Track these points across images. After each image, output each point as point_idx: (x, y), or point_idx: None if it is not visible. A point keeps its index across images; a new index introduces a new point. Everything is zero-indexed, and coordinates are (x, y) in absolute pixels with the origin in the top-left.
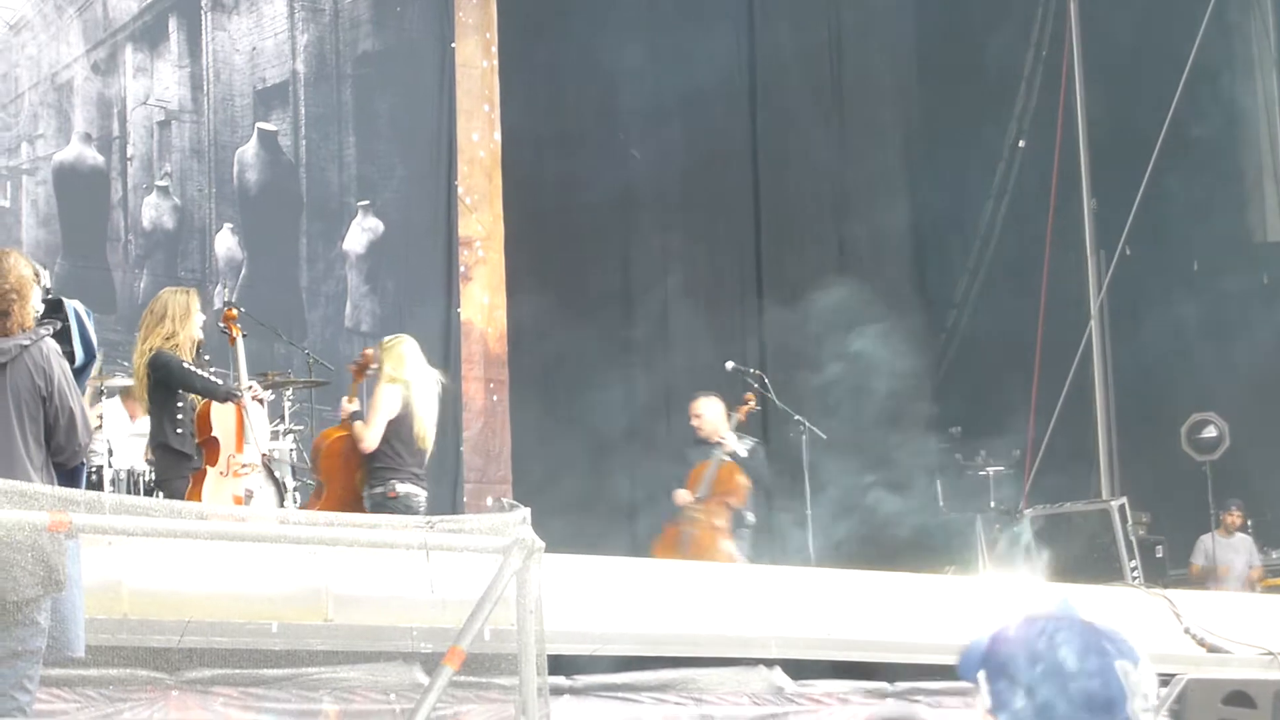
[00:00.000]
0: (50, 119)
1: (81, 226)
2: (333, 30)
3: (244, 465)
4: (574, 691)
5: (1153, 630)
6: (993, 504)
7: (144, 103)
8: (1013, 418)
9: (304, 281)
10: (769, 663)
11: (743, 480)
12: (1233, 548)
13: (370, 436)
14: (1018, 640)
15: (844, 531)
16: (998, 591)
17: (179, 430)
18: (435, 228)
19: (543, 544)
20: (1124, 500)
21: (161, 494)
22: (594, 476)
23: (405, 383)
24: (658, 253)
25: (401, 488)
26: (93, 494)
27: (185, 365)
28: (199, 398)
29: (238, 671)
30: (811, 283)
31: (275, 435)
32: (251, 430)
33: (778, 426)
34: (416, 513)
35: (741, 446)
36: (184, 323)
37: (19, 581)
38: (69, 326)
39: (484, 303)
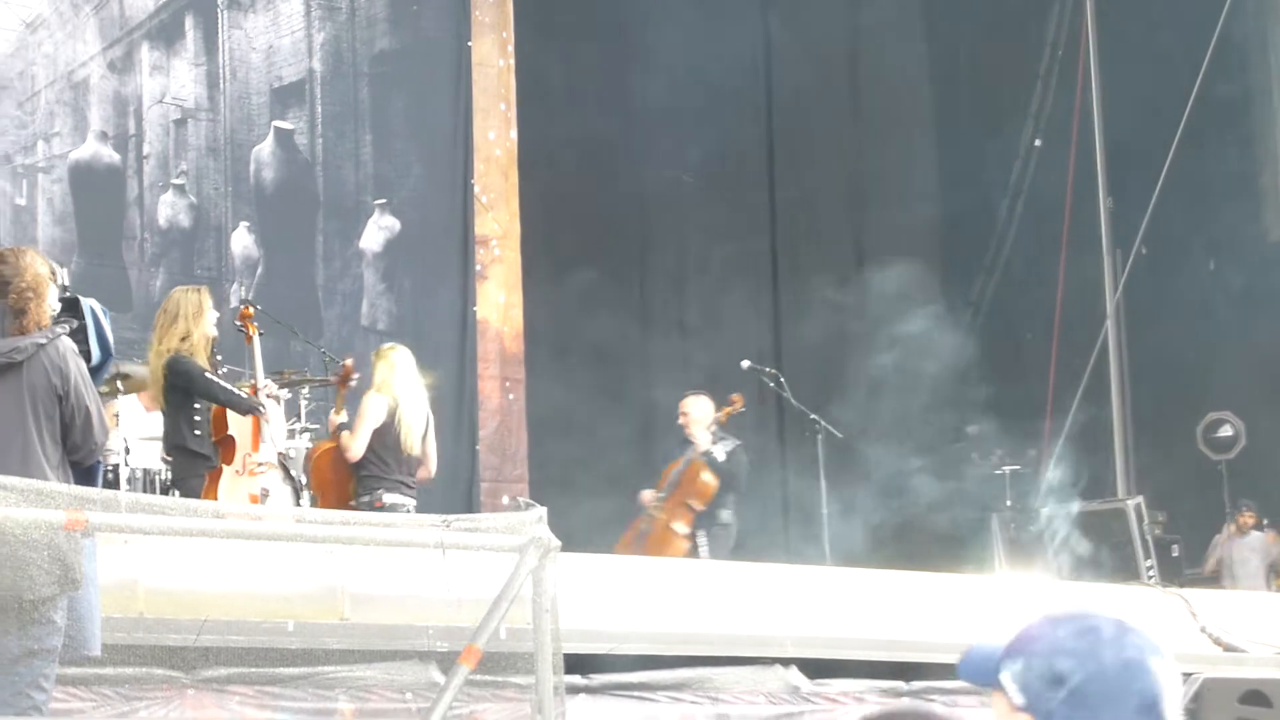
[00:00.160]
0: (66, 117)
1: (97, 225)
2: (349, 29)
3: (260, 464)
4: (590, 690)
5: (1169, 629)
6: (1009, 503)
7: (160, 101)
8: (1029, 417)
9: (320, 280)
10: (785, 662)
11: (707, 481)
12: (1248, 546)
13: (356, 446)
14: (1053, 640)
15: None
16: (1014, 590)
17: (197, 432)
18: (451, 226)
19: (558, 543)
20: (1140, 499)
21: (177, 493)
22: (610, 475)
23: (392, 393)
24: (674, 251)
25: (389, 497)
26: (109, 492)
27: (208, 376)
28: None
29: (254, 670)
30: (828, 282)
31: (291, 434)
32: (267, 429)
33: (794, 425)
34: None
35: (720, 448)
36: (198, 321)
37: (35, 580)
38: (85, 325)
39: (500, 301)
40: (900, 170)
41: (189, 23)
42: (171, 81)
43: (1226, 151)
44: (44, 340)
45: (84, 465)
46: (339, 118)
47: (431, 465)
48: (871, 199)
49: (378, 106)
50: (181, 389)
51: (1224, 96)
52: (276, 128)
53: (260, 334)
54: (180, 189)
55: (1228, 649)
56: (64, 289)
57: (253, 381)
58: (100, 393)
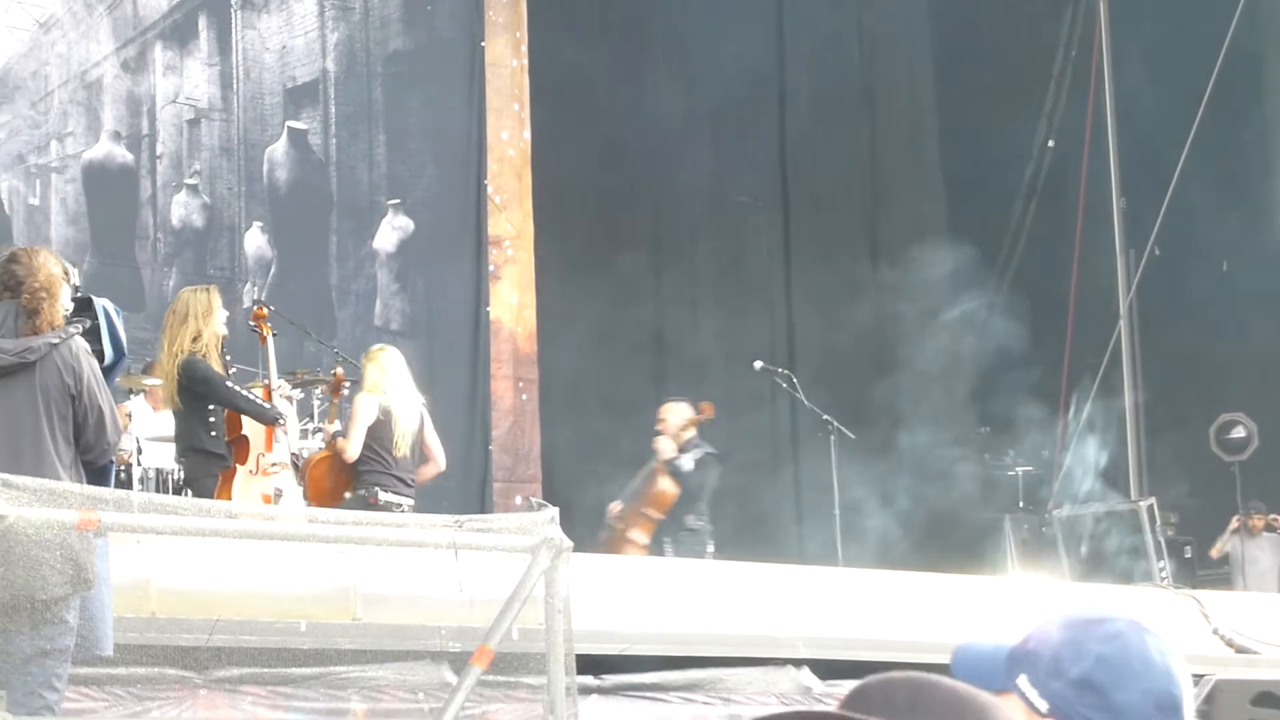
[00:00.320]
0: (80, 117)
1: (110, 225)
2: (363, 29)
3: (273, 464)
4: (602, 691)
5: (1181, 631)
6: (1021, 504)
7: (173, 101)
8: (1042, 418)
9: (334, 280)
10: (797, 663)
11: (664, 490)
12: (1258, 546)
13: (351, 447)
14: (1076, 643)
15: (875, 531)
16: (1026, 592)
17: (213, 433)
18: (465, 226)
19: (571, 543)
20: (1152, 500)
21: (190, 492)
22: (623, 476)
23: (383, 393)
24: (687, 252)
25: (384, 495)
26: (121, 492)
27: (230, 385)
28: None
29: (266, 670)
30: (841, 284)
31: (304, 434)
32: (281, 430)
33: (807, 426)
34: None
35: (689, 457)
36: (207, 320)
37: (48, 580)
38: (98, 325)
39: (513, 302)
40: (912, 172)
41: (202, 23)
42: (185, 81)
43: (1240, 152)
44: (57, 340)
45: (97, 465)
46: (352, 118)
47: (439, 459)
48: (884, 200)
49: (391, 107)
50: (199, 394)
51: (1237, 97)
52: (290, 128)
53: (274, 334)
54: (193, 189)
55: (1240, 650)
56: (77, 289)
57: (266, 382)
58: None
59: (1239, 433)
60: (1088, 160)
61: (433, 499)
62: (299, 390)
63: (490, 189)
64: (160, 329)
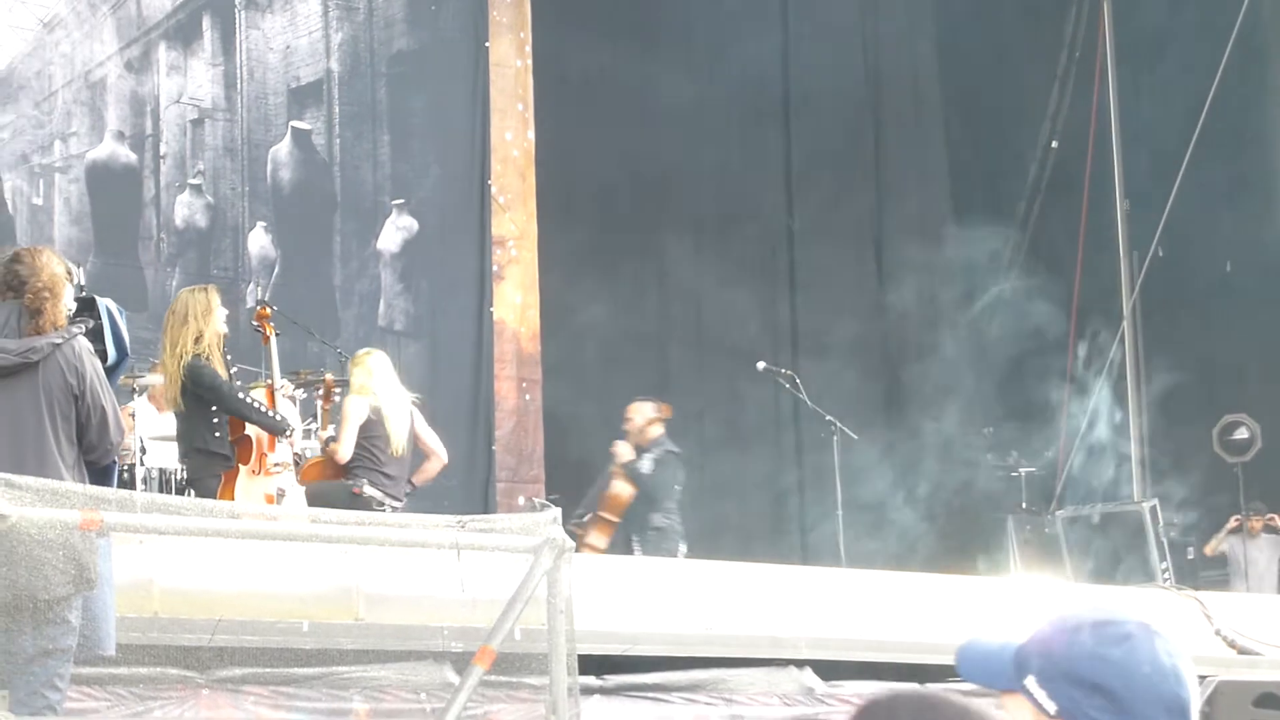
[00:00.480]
0: (83, 117)
1: (114, 224)
2: (367, 29)
3: (276, 464)
4: (604, 691)
5: (1184, 632)
6: (1024, 504)
7: (177, 101)
8: (1045, 418)
9: (338, 280)
10: (799, 663)
11: (616, 492)
12: (1257, 546)
13: (343, 449)
14: (1085, 646)
15: (876, 532)
16: (1029, 592)
17: (217, 434)
18: (469, 226)
19: (573, 544)
20: (1155, 501)
21: (193, 492)
22: None
23: (372, 394)
24: (692, 252)
25: (369, 490)
26: (124, 492)
27: (239, 396)
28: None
29: (268, 670)
30: (846, 284)
31: (308, 434)
32: None
33: (810, 427)
34: None
35: (648, 459)
36: (207, 320)
37: (50, 580)
38: (101, 325)
39: (517, 302)
40: (916, 172)
41: (206, 23)
42: (189, 81)
43: (1244, 153)
44: (60, 340)
45: (100, 465)
46: (356, 118)
47: (440, 452)
48: (888, 200)
49: (395, 107)
50: (206, 400)
51: (1241, 97)
52: (294, 128)
53: (277, 334)
54: (197, 189)
55: (1242, 652)
56: (80, 289)
57: (269, 382)
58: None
59: (1242, 434)
60: (1091, 161)
61: (435, 499)
62: (301, 390)
63: (494, 189)
64: (161, 331)
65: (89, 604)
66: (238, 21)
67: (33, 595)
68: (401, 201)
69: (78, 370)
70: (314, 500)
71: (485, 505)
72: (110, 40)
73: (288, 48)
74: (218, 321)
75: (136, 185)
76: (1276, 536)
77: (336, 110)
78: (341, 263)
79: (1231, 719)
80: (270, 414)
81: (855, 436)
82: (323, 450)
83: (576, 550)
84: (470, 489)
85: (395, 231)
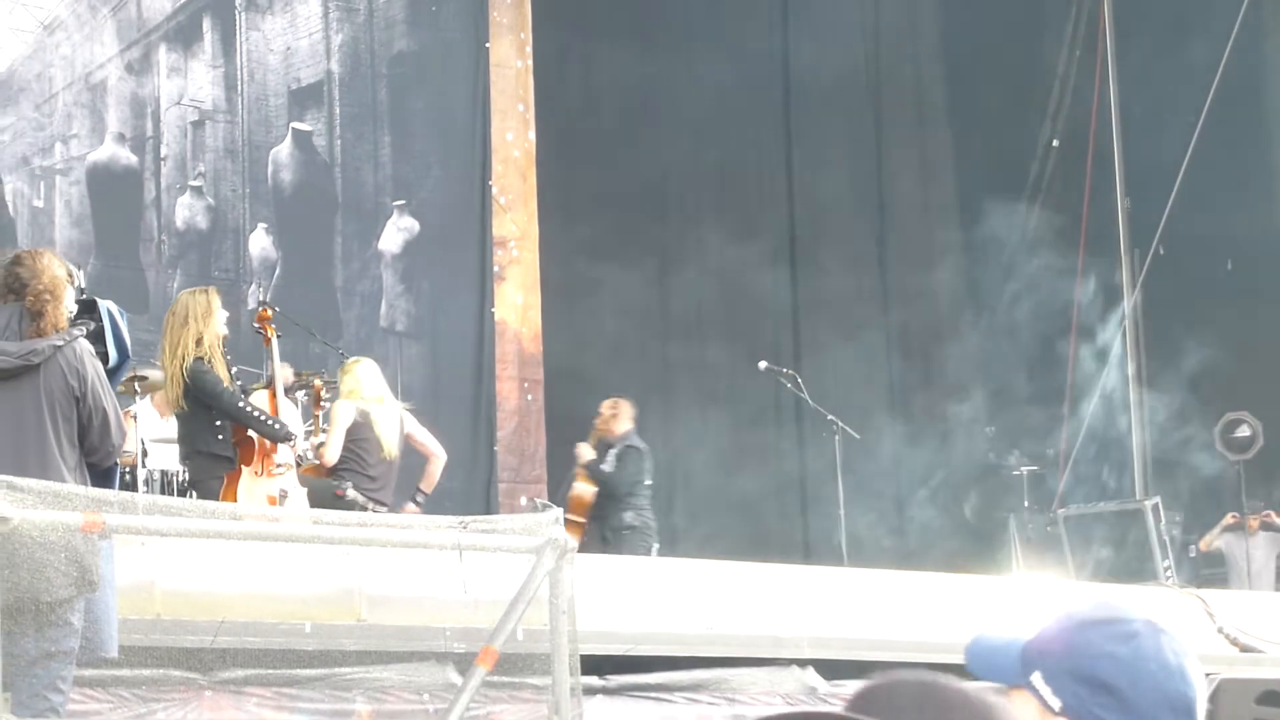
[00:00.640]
0: (84, 119)
1: (115, 227)
2: (367, 30)
3: (278, 465)
4: (607, 691)
5: (1186, 630)
6: (1026, 503)
7: (178, 103)
8: (1047, 417)
9: (339, 281)
10: (802, 663)
11: (577, 494)
12: (1255, 544)
13: (329, 452)
14: (1092, 643)
15: (876, 530)
16: (1031, 591)
17: (220, 437)
18: (470, 227)
19: (575, 544)
20: (1157, 499)
21: (195, 494)
22: None
23: (361, 398)
24: (693, 252)
25: (352, 494)
26: (126, 494)
27: (241, 404)
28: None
29: (271, 672)
30: (847, 282)
31: (309, 435)
32: None
33: (811, 426)
34: None
35: (612, 457)
36: (207, 321)
37: (52, 582)
38: (102, 327)
39: (518, 302)
40: (917, 170)
41: (206, 24)
42: (189, 83)
43: (1244, 151)
44: (61, 342)
45: (101, 467)
46: (357, 119)
47: (438, 451)
48: (888, 198)
49: (396, 108)
50: (206, 406)
51: (1242, 95)
52: (295, 129)
53: (278, 336)
54: (198, 191)
55: (1245, 649)
56: (81, 291)
57: (269, 378)
58: (117, 393)
59: (1244, 432)
60: (1092, 159)
61: (437, 500)
62: (302, 392)
63: (495, 190)
64: (160, 333)
65: (91, 606)
66: (238, 23)
67: (35, 597)
68: (402, 202)
69: (79, 372)
70: None
71: (487, 506)
72: (110, 42)
73: (288, 49)
74: (218, 324)
75: (137, 187)
76: (1274, 534)
77: (337, 111)
78: (343, 264)
79: (1235, 716)
80: (271, 421)
81: (857, 436)
82: (314, 454)
83: None
84: (472, 490)
85: (396, 232)
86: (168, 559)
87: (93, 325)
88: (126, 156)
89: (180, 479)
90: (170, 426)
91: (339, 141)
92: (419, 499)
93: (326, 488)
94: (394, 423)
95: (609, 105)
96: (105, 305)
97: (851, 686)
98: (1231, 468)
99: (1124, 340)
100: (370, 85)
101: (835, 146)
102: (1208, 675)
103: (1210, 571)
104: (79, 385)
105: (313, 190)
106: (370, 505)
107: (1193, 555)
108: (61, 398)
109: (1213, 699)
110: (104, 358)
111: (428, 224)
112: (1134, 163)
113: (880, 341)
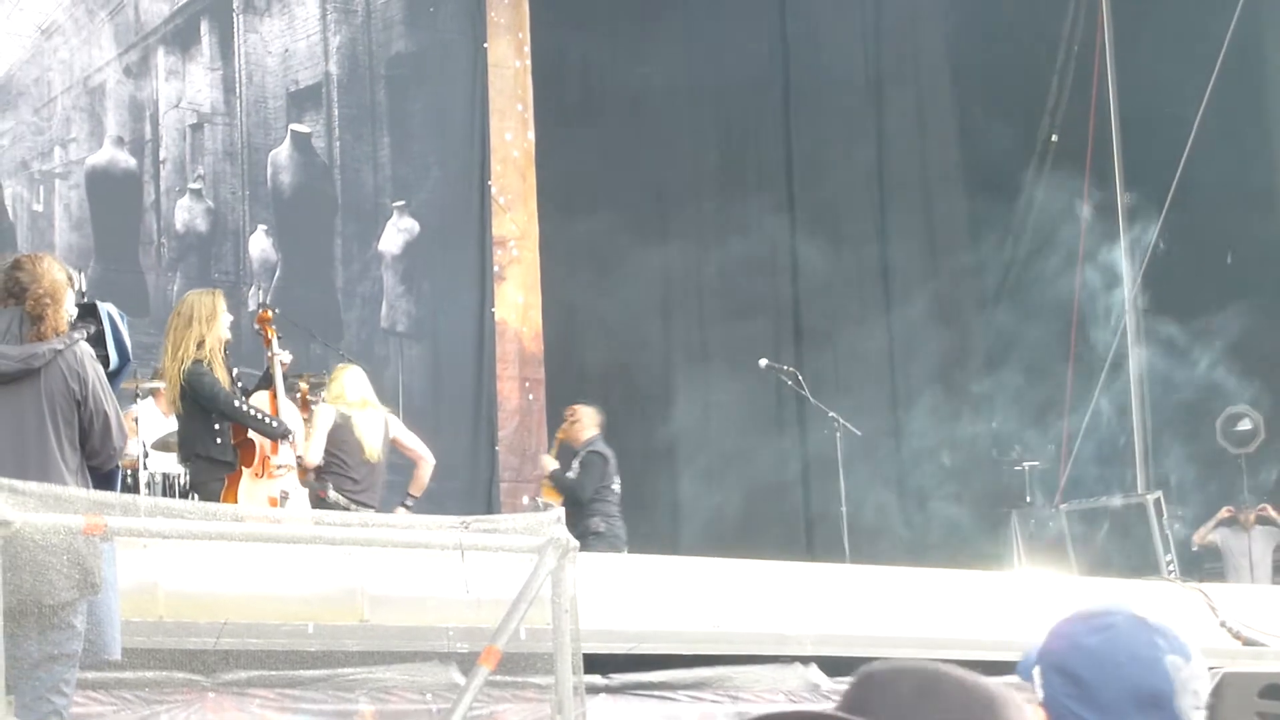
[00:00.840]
0: (82, 123)
1: (114, 230)
2: (365, 31)
3: (279, 466)
4: (610, 690)
5: (1188, 624)
6: (1028, 499)
7: (176, 106)
8: (1048, 412)
9: (339, 283)
10: (805, 660)
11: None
12: (1252, 538)
13: (311, 454)
14: (1070, 635)
15: (880, 528)
16: (1033, 587)
17: (219, 440)
18: (469, 227)
19: (577, 543)
20: (1159, 494)
21: (196, 496)
22: (630, 477)
23: (345, 402)
24: (693, 250)
25: (333, 495)
26: (128, 497)
27: (236, 404)
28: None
29: (274, 673)
30: (846, 278)
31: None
32: None
33: (814, 423)
34: None
35: (576, 464)
36: (211, 325)
37: (54, 585)
38: (103, 330)
39: (519, 302)
40: (916, 166)
41: (204, 27)
42: (187, 86)
43: (1244, 145)
44: (61, 346)
45: (103, 470)
46: (356, 120)
47: (425, 454)
48: (888, 195)
49: (395, 109)
50: (204, 409)
51: (1240, 89)
52: (293, 131)
53: (279, 338)
54: (197, 193)
55: (1247, 643)
56: (81, 294)
57: (271, 375)
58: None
59: (1245, 425)
60: (1091, 154)
61: (438, 500)
62: (299, 393)
63: (494, 190)
64: (164, 333)
65: (94, 608)
66: (236, 25)
67: (37, 600)
68: (402, 203)
69: (80, 376)
70: None
71: (489, 506)
72: (108, 46)
73: (286, 51)
74: (221, 327)
75: (136, 190)
76: (1271, 528)
77: (336, 113)
78: (343, 265)
79: (1237, 710)
80: (269, 420)
81: (859, 433)
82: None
83: None
84: (473, 489)
85: (396, 233)
86: (170, 561)
87: (93, 328)
88: (125, 160)
89: (181, 481)
90: (172, 428)
91: (338, 143)
92: (408, 503)
93: (309, 489)
94: (376, 426)
95: (608, 105)
96: (106, 308)
97: None
98: (1233, 461)
99: (1125, 332)
100: (369, 86)
101: (835, 146)
102: (1210, 669)
103: (1208, 566)
104: (80, 389)
105: (312, 192)
106: (353, 507)
107: (1195, 549)
108: (62, 401)
109: (1215, 693)
110: (105, 361)
111: (427, 224)
112: (1133, 157)
113: (883, 338)
